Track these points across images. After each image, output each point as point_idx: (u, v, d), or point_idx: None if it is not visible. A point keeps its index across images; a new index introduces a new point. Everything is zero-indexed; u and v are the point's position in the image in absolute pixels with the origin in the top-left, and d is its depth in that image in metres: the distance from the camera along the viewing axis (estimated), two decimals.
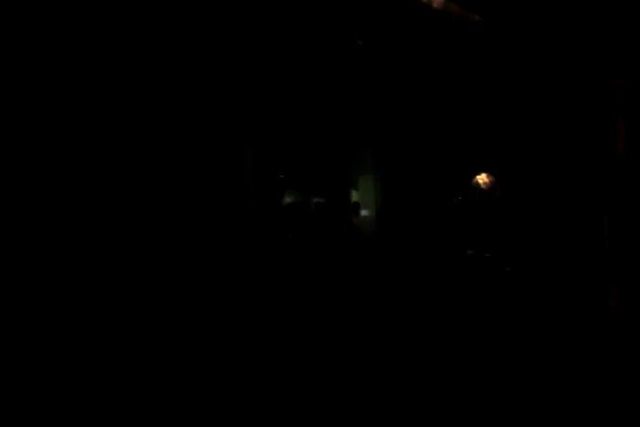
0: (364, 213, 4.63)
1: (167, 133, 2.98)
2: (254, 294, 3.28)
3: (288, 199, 4.06)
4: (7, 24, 2.40)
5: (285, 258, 3.67)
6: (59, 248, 2.53)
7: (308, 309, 3.63)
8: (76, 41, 2.59)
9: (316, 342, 3.59)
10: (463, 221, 5.32)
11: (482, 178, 5.48)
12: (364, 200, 4.64)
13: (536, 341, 5.24)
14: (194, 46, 3.05)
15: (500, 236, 5.57)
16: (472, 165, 5.43)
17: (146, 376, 2.72)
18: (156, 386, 2.73)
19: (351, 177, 4.61)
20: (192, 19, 3.03)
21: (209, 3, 3.09)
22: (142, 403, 2.67)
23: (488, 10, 4.94)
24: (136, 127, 2.84)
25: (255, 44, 3.35)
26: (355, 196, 4.64)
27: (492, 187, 5.55)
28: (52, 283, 2.49)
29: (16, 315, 2.37)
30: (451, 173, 5.27)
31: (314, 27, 3.66)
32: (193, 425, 2.84)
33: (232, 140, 3.36)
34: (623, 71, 8.31)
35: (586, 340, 5.66)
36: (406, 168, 4.79)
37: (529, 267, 5.82)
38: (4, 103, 2.41)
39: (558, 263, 6.30)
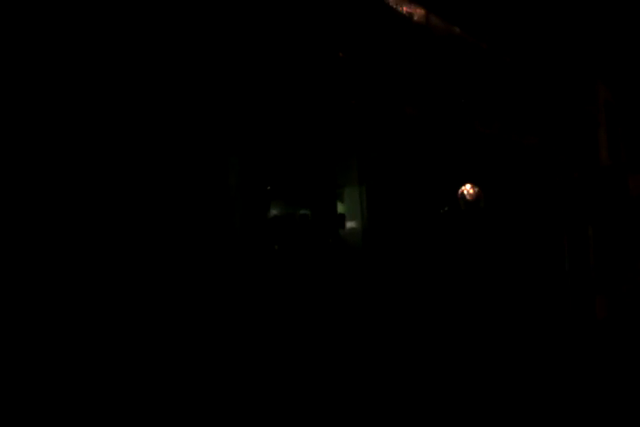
0: (349, 224, 4.62)
1: (149, 146, 2.97)
2: (240, 306, 3.25)
3: (274, 211, 4.05)
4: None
5: (271, 270, 3.65)
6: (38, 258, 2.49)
7: (293, 320, 3.60)
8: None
9: (301, 353, 3.55)
10: (449, 233, 5.33)
11: (467, 189, 5.50)
12: (349, 212, 4.64)
13: (524, 352, 5.23)
14: (177, 58, 3.06)
15: (485, 247, 5.58)
16: (457, 176, 5.46)
17: (127, 382, 2.68)
18: (136, 392, 2.69)
19: (337, 189, 4.61)
20: (174, 34, 3.04)
21: (188, 20, 3.10)
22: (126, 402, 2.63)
23: (469, 22, 5.00)
24: (118, 140, 2.82)
25: (239, 56, 3.36)
26: (340, 208, 4.63)
27: (476, 198, 5.57)
28: (35, 287, 2.45)
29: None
30: (436, 184, 5.28)
31: (296, 39, 3.68)
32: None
33: (215, 153, 3.36)
34: (605, 82, 8.44)
35: (574, 351, 5.65)
36: (392, 180, 4.80)
37: (514, 277, 5.83)
38: None
39: (544, 274, 6.31)
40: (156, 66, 2.94)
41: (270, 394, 3.28)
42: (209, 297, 3.09)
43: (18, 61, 2.45)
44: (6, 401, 2.30)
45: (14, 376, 2.34)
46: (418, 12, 4.53)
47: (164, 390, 2.79)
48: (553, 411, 4.12)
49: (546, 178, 6.53)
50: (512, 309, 5.60)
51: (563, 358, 5.32)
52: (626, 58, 9.16)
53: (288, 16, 3.60)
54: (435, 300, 4.85)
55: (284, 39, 3.54)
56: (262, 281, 3.49)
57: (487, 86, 5.39)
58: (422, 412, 3.93)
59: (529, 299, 5.92)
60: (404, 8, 4.49)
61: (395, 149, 4.67)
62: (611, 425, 3.90)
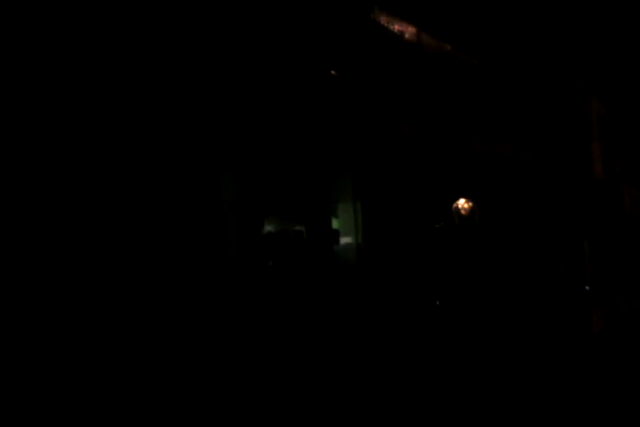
0: (344, 240, 4.65)
1: (142, 163, 3.00)
2: (235, 322, 3.27)
3: (269, 228, 4.07)
4: None
5: (264, 285, 3.66)
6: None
7: (288, 333, 3.61)
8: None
9: (295, 363, 3.56)
10: (444, 247, 5.35)
11: (461, 204, 5.54)
12: (344, 228, 4.66)
13: (521, 366, 5.23)
14: (169, 74, 3.10)
15: (480, 261, 5.60)
16: (451, 191, 5.49)
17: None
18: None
19: (331, 205, 4.64)
20: (164, 50, 3.08)
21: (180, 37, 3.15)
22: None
23: (460, 39, 5.08)
24: (110, 156, 2.85)
25: (234, 73, 3.41)
26: (335, 223, 4.66)
27: (471, 212, 5.61)
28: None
29: None
30: (431, 199, 5.32)
31: (289, 58, 3.74)
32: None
33: (209, 170, 3.39)
34: (598, 97, 8.52)
35: (571, 364, 5.65)
36: (386, 195, 4.83)
37: (511, 291, 5.84)
38: None
39: (540, 287, 6.32)
40: (148, 83, 2.98)
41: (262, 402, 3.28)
42: (203, 311, 3.11)
43: None
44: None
45: None
46: (409, 31, 4.60)
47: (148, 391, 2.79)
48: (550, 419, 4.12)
49: (540, 192, 6.57)
50: (510, 322, 5.60)
51: (559, 372, 5.32)
52: (618, 73, 9.27)
53: (280, 37, 3.66)
54: (431, 314, 4.86)
55: (277, 58, 3.60)
56: (256, 296, 3.50)
57: (480, 102, 5.44)
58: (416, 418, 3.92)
59: (526, 313, 5.92)
60: (396, 26, 4.56)
61: (389, 166, 4.71)
62: None
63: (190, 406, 2.98)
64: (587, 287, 7.04)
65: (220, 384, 3.12)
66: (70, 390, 2.54)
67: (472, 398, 4.40)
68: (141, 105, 2.98)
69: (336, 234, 4.55)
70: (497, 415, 4.16)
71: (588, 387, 4.99)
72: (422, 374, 4.39)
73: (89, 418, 2.56)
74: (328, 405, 3.64)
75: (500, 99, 5.87)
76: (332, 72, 3.92)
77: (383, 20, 4.49)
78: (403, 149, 4.65)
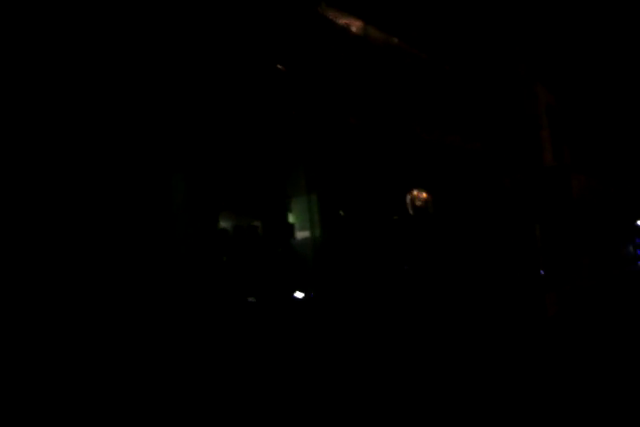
0: (300, 234, 4.68)
1: (93, 162, 2.97)
2: (186, 316, 3.27)
3: (223, 224, 4.08)
4: None
5: (218, 281, 3.67)
6: None
7: (242, 330, 3.63)
8: None
9: (249, 359, 3.58)
10: (400, 237, 5.43)
11: (415, 195, 5.63)
12: (299, 222, 4.70)
13: (477, 348, 5.35)
14: (113, 74, 3.07)
15: (435, 250, 5.71)
16: (405, 182, 5.58)
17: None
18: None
19: (286, 199, 4.67)
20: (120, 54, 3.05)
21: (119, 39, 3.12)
22: None
23: (407, 33, 5.15)
24: (61, 157, 2.82)
25: (180, 69, 3.39)
26: (291, 218, 4.69)
27: (425, 202, 5.71)
28: None
29: None
30: (384, 190, 5.39)
31: (236, 52, 3.74)
32: None
33: (158, 169, 3.37)
34: (546, 86, 8.74)
35: (527, 346, 5.80)
36: (340, 188, 4.88)
37: (466, 278, 5.97)
38: None
39: (494, 273, 6.47)
40: (93, 83, 2.95)
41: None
42: (154, 307, 3.10)
43: None
44: None
45: None
46: (356, 25, 4.64)
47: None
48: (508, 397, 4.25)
49: (491, 180, 6.72)
50: (466, 308, 5.72)
51: (515, 353, 5.46)
52: (567, 62, 9.51)
53: (226, 31, 3.66)
54: (388, 302, 4.92)
55: (224, 54, 3.59)
56: (209, 291, 3.51)
57: (428, 94, 5.53)
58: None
59: (482, 298, 6.06)
60: (343, 20, 4.60)
61: (340, 158, 4.75)
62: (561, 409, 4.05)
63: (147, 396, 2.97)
64: (541, 272, 7.24)
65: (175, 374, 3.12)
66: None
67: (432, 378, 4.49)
68: (90, 106, 2.96)
69: (291, 228, 4.58)
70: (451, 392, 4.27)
71: (540, 365, 5.15)
72: (381, 357, 4.46)
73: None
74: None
75: (448, 90, 5.98)
76: (279, 66, 3.93)
77: (330, 14, 4.52)
78: (352, 142, 4.70)
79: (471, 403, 4.19)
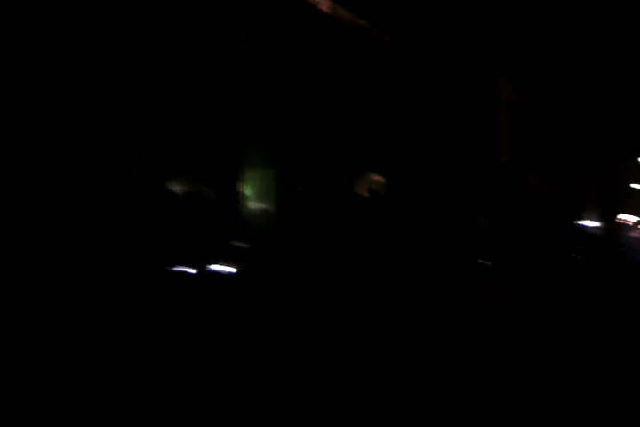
0: (251, 205, 4.73)
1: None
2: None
3: (172, 189, 4.09)
4: None
5: (164, 247, 3.71)
6: None
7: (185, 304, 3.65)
8: None
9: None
10: (351, 219, 5.52)
11: (370, 177, 5.75)
12: (253, 193, 4.74)
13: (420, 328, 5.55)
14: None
15: (387, 234, 5.85)
16: (361, 164, 5.68)
17: None
18: None
19: (241, 171, 4.69)
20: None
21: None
22: None
23: (375, 16, 5.21)
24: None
25: (135, 34, 3.38)
26: (243, 188, 4.71)
27: (379, 186, 5.84)
28: None
29: None
30: (341, 171, 5.47)
31: (199, 20, 3.74)
32: None
33: (112, 134, 3.36)
34: (509, 82, 8.92)
35: (462, 330, 6.06)
36: (299, 165, 4.94)
37: (413, 262, 6.14)
38: None
39: (440, 261, 6.67)
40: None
41: None
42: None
43: None
44: None
45: None
46: (324, 3, 4.69)
47: None
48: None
49: (446, 171, 6.88)
50: (409, 293, 5.89)
51: (451, 335, 5.70)
52: (530, 59, 9.71)
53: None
54: (337, 284, 5.02)
55: (185, 22, 3.59)
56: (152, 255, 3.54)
57: (390, 81, 5.63)
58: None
59: (426, 284, 6.25)
60: None
61: (298, 135, 4.81)
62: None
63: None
64: (482, 261, 7.51)
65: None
66: None
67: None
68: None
69: (242, 198, 4.62)
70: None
71: (474, 348, 5.42)
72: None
73: None
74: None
75: (410, 78, 6.09)
76: (243, 37, 3.96)
77: None
78: (312, 120, 4.77)
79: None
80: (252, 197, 4.72)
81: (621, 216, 12.75)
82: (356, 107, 5.14)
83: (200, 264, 3.99)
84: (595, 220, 12.17)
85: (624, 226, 12.37)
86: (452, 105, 7.06)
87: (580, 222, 11.19)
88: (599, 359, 5.92)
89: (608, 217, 11.88)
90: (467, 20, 6.98)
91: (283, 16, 4.31)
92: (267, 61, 4.21)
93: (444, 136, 6.78)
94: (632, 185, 15.08)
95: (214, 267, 4.09)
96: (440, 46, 6.56)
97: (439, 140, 6.67)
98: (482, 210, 7.66)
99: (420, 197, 6.48)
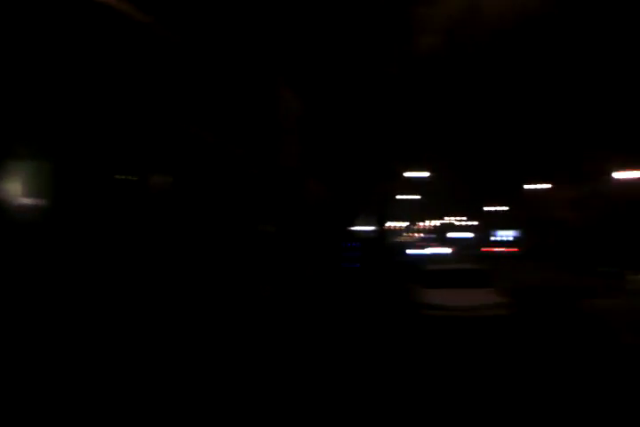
0: (24, 201, 4.40)
1: None
2: None
3: None
4: None
5: None
6: None
7: None
8: None
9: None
10: (137, 215, 5.39)
11: (157, 177, 5.71)
12: (25, 188, 4.42)
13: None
14: None
15: (169, 232, 5.83)
16: (148, 164, 5.59)
17: None
18: None
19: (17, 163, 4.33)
20: None
21: None
22: None
23: (159, 12, 5.23)
24: None
25: None
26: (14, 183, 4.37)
27: (165, 185, 5.83)
28: None
29: None
30: (123, 170, 5.32)
31: None
32: None
33: None
34: (296, 93, 9.50)
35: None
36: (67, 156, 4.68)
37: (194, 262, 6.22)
38: None
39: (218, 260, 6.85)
40: None
41: None
42: None
43: None
44: None
45: None
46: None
47: None
48: None
49: (226, 174, 7.06)
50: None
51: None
52: (316, 71, 10.45)
53: None
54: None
55: None
56: None
57: (174, 79, 5.67)
58: None
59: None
60: None
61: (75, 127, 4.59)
62: None
63: None
64: (262, 262, 7.93)
65: None
66: None
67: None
68: None
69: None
70: None
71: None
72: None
73: None
74: None
75: (201, 79, 6.21)
76: None
77: None
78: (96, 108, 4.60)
79: None
80: (24, 192, 4.41)
81: (390, 223, 14.27)
82: (152, 113, 5.11)
83: None
84: (367, 225, 13.47)
85: (391, 231, 13.88)
86: (242, 112, 7.32)
87: (353, 227, 12.38)
88: None
89: (378, 223, 13.27)
90: (256, 34, 7.32)
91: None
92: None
93: (230, 141, 6.99)
94: (398, 196, 16.96)
95: None
96: (230, 55, 6.80)
97: (225, 144, 6.86)
98: (265, 212, 8.03)
99: (206, 197, 6.59)
